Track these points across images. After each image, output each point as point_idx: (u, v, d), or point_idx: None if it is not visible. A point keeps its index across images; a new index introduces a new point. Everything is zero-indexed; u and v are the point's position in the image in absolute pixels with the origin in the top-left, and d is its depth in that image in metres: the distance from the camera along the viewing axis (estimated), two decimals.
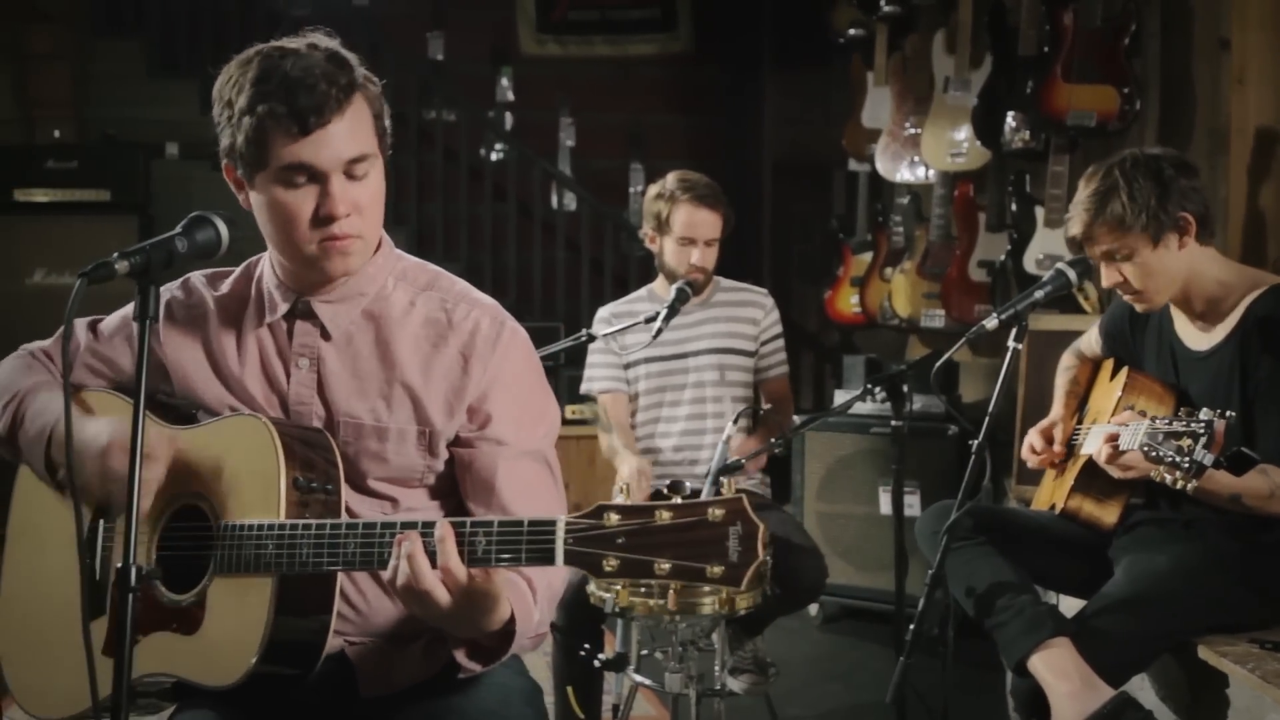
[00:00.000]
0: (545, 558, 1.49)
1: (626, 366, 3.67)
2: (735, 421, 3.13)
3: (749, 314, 3.68)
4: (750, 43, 7.92)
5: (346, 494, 1.84)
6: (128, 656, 1.42)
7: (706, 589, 2.63)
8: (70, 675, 1.81)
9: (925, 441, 4.60)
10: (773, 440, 3.20)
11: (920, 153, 5.13)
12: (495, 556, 1.54)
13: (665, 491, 1.48)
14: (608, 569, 1.44)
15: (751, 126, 8.05)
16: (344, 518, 1.76)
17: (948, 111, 4.96)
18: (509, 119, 7.70)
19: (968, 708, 3.72)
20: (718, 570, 1.41)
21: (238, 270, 1.98)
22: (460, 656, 1.72)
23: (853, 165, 6.05)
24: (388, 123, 1.85)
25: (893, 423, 3.16)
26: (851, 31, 5.81)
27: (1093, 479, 2.70)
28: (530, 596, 1.75)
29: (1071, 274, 2.63)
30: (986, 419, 2.56)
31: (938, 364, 2.65)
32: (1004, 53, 4.60)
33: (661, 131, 7.99)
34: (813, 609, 5.02)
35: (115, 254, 1.57)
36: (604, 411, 3.68)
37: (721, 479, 3.13)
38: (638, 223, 7.68)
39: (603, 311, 3.73)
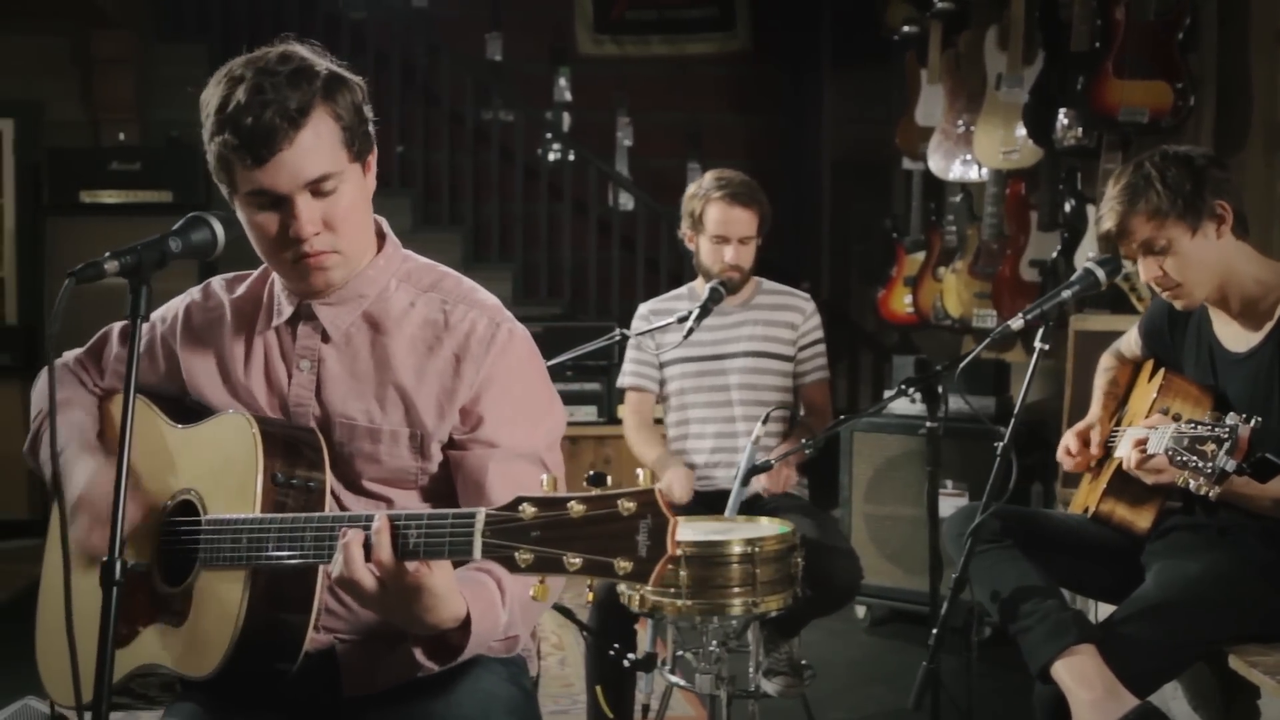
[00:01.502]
0: (465, 550, 1.47)
1: (661, 365, 3.66)
2: (764, 422, 3.11)
3: (788, 318, 3.63)
4: (809, 41, 7.88)
5: (342, 494, 1.86)
6: (110, 648, 1.44)
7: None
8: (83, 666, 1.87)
9: (974, 443, 4.53)
10: (804, 441, 3.17)
11: (973, 151, 5.06)
12: (424, 549, 1.52)
13: (585, 485, 1.45)
14: (521, 563, 1.41)
15: (810, 125, 8.01)
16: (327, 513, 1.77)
17: (1000, 109, 4.89)
18: (567, 119, 7.74)
19: (1001, 712, 3.67)
20: (626, 565, 1.35)
21: (256, 272, 2.00)
22: (418, 654, 1.70)
23: (906, 164, 5.98)
24: (368, 121, 1.82)
25: (928, 424, 3.11)
26: (905, 29, 5.76)
27: (1126, 483, 2.64)
28: (499, 598, 1.73)
29: (1100, 273, 2.58)
30: (1012, 420, 2.51)
31: (961, 364, 2.61)
32: (1056, 49, 4.52)
33: (719, 131, 7.98)
34: (860, 611, 4.98)
35: (107, 253, 1.59)
36: (628, 408, 3.68)
37: (751, 480, 3.19)
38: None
39: (642, 309, 3.72)
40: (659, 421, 3.73)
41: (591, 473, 1.46)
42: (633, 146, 7.78)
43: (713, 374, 3.60)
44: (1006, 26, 4.87)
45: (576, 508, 1.40)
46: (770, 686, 3.40)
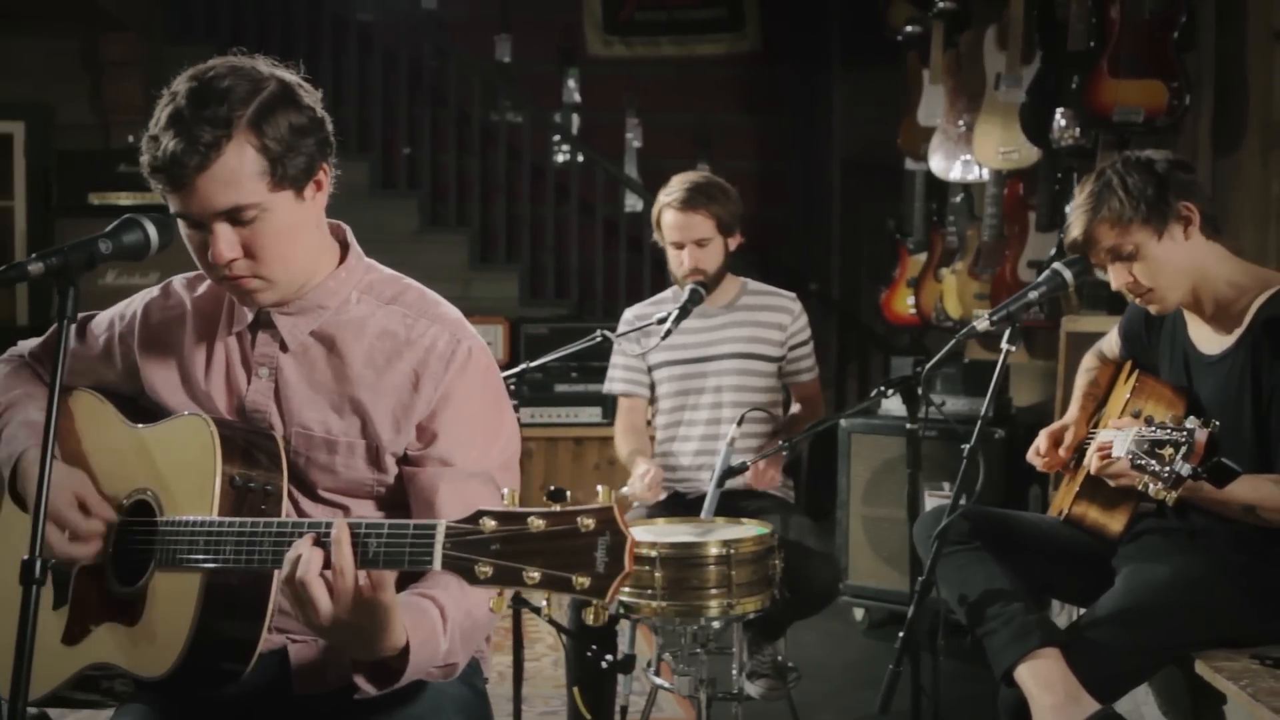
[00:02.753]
0: (425, 561, 1.47)
1: (649, 369, 3.65)
2: (739, 423, 3.11)
3: (775, 319, 3.62)
4: (819, 41, 7.86)
5: (301, 500, 1.87)
6: (28, 649, 1.45)
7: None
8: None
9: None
10: (780, 442, 3.16)
11: (972, 151, 5.04)
12: (383, 559, 1.52)
13: (545, 500, 1.45)
14: (480, 576, 1.41)
15: (820, 126, 7.99)
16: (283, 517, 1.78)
17: (999, 109, 4.86)
18: (576, 120, 7.74)
19: (972, 716, 3.65)
20: (584, 581, 1.38)
21: None
22: (359, 680, 1.68)
23: (909, 164, 5.96)
24: (309, 147, 1.79)
25: (907, 425, 3.09)
26: (908, 28, 5.75)
27: (1099, 486, 2.62)
28: (440, 625, 1.72)
29: (1067, 274, 2.56)
30: (979, 422, 2.50)
31: (928, 365, 2.60)
32: (1053, 48, 4.49)
33: (729, 132, 7.97)
34: (858, 614, 4.96)
35: (33, 255, 1.60)
36: (619, 414, 3.68)
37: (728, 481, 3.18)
38: None
39: (627, 313, 3.72)
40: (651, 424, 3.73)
41: (552, 488, 1.46)
42: (642, 147, 7.77)
43: (699, 376, 3.60)
44: (1005, 26, 4.84)
45: (536, 523, 1.42)
46: (753, 689, 3.40)
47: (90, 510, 1.83)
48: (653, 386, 3.66)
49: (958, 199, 5.37)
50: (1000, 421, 4.54)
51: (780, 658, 3.50)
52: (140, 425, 1.91)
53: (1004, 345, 2.51)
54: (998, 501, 4.35)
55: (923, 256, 5.76)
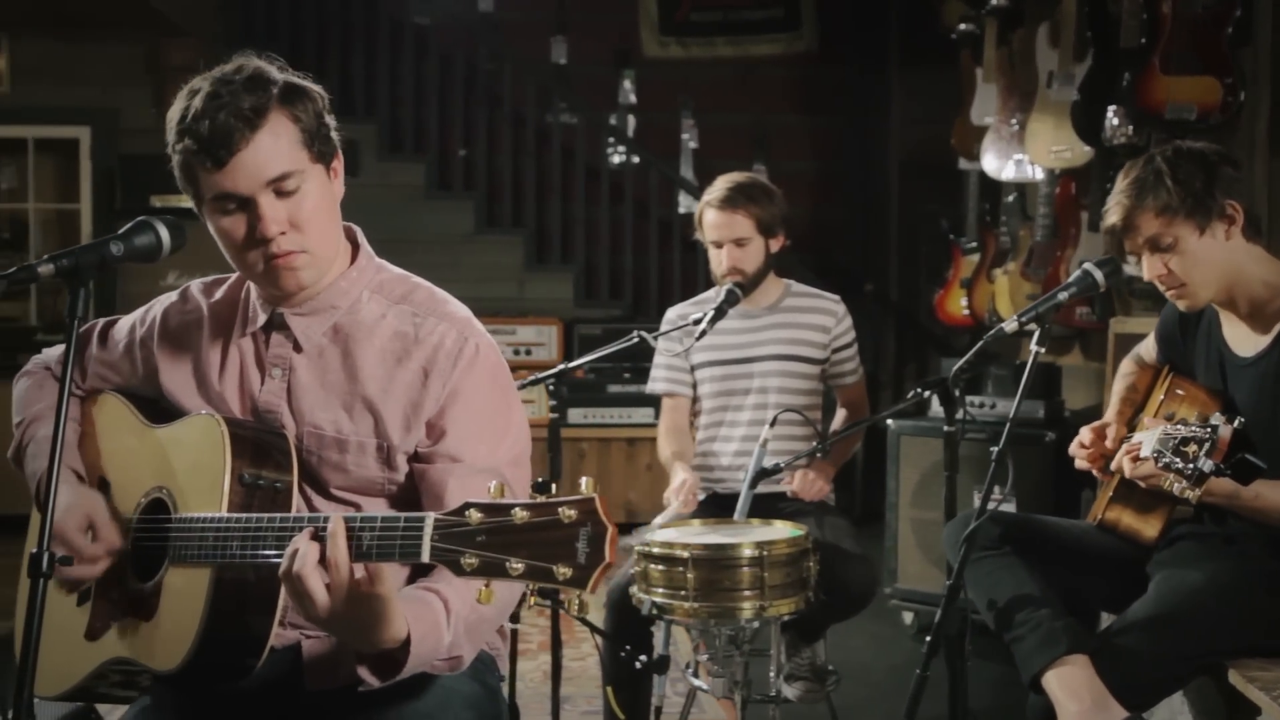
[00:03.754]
0: (414, 553, 1.49)
1: (691, 369, 3.65)
2: (771, 424, 3.09)
3: (819, 321, 3.60)
4: (876, 40, 7.80)
5: (313, 498, 1.90)
6: (35, 639, 1.48)
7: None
8: (52, 658, 1.92)
9: (1021, 448, 4.43)
10: (815, 445, 3.14)
11: (1025, 150, 4.97)
12: (376, 552, 1.54)
13: (531, 493, 1.46)
14: (467, 566, 1.43)
15: (878, 126, 7.93)
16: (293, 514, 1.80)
17: (1052, 107, 4.79)
18: (631, 121, 7.75)
19: None
20: (566, 571, 1.39)
21: (234, 276, 2.04)
22: (362, 671, 1.70)
23: (963, 164, 5.89)
24: (329, 127, 1.87)
25: (945, 428, 3.06)
26: (962, 27, 5.68)
27: (1133, 490, 2.57)
28: (443, 618, 1.73)
29: (1098, 274, 2.50)
30: (1008, 425, 2.46)
31: (956, 367, 2.56)
32: (1105, 45, 4.41)
33: (785, 132, 7.94)
34: (907, 618, 4.92)
35: (45, 256, 1.64)
36: (662, 414, 3.67)
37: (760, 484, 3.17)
38: None
39: (670, 313, 3.72)
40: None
41: (538, 479, 1.47)
42: (698, 148, 7.76)
43: (740, 377, 3.58)
44: (1058, 23, 4.77)
45: (520, 514, 1.43)
46: (790, 691, 3.38)
47: (98, 534, 1.87)
48: (695, 386, 3.66)
49: (1010, 199, 5.30)
50: (1052, 424, 4.47)
51: (821, 660, 3.48)
52: (157, 426, 1.95)
53: (1033, 347, 2.47)
54: (1049, 505, 4.29)
55: (976, 257, 5.69)
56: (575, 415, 6.60)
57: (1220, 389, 2.56)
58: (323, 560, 1.56)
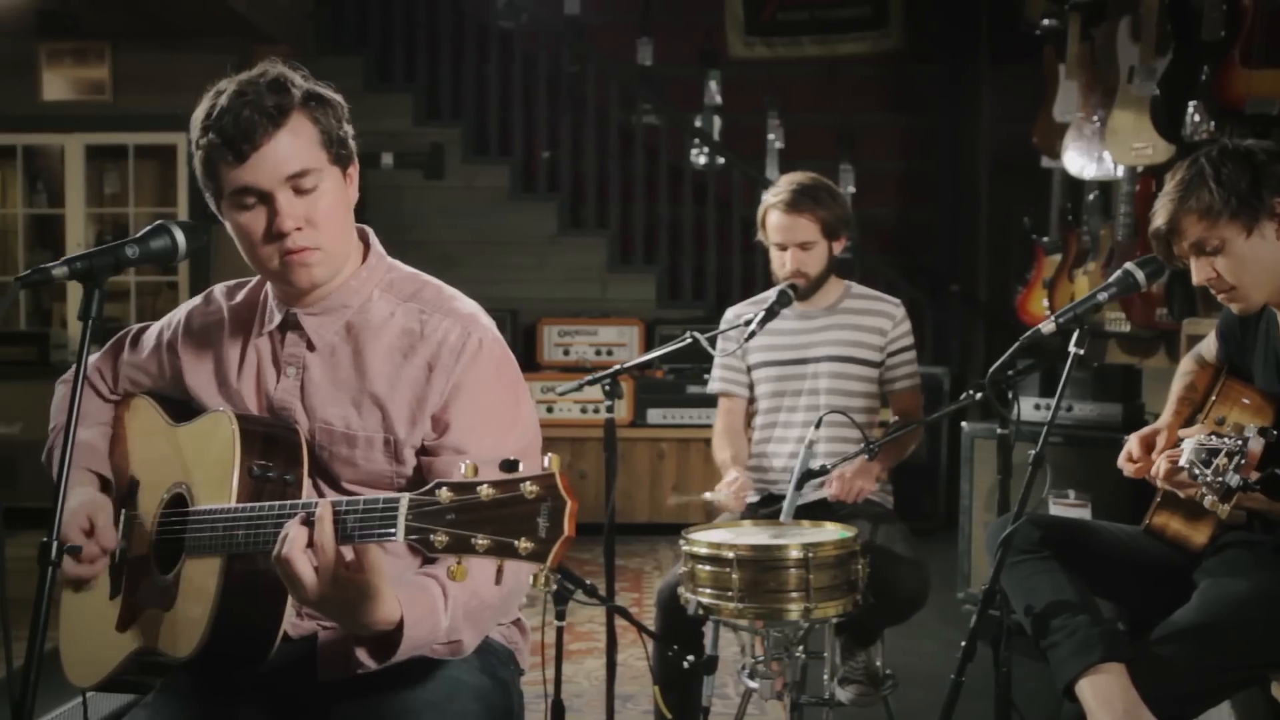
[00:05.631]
0: (391, 532, 1.53)
1: (749, 369, 3.64)
2: (817, 426, 3.07)
3: (876, 323, 3.56)
4: (965, 38, 7.69)
5: (326, 492, 1.94)
6: (43, 626, 1.54)
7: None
8: (87, 650, 2.02)
9: (1098, 451, 4.33)
10: (864, 445, 3.10)
11: (1106, 147, 4.86)
12: (358, 533, 1.59)
13: (500, 470, 1.48)
14: (438, 544, 1.47)
15: (967, 124, 7.82)
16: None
17: (1133, 102, 4.67)
18: (717, 122, 7.73)
19: None
20: (528, 545, 1.41)
21: (254, 279, 2.10)
22: (360, 654, 1.75)
23: (1045, 162, 5.77)
24: (347, 134, 1.92)
25: (998, 430, 3.01)
26: (1045, 22, 5.57)
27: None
28: (440, 602, 1.77)
29: (1139, 275, 2.44)
30: (1045, 429, 2.41)
31: (994, 367, 2.51)
32: (1187, 38, 4.29)
33: (873, 131, 7.86)
34: None
35: (61, 259, 1.70)
36: (718, 415, 3.67)
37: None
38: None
39: (729, 312, 3.72)
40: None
41: (509, 458, 1.50)
42: (784, 149, 7.71)
43: (796, 378, 3.56)
44: (1140, 16, 4.65)
45: (486, 491, 1.46)
46: (844, 694, 3.35)
47: (97, 535, 1.93)
48: (751, 386, 3.64)
49: (1091, 197, 5.18)
50: (1131, 427, 4.31)
51: (878, 664, 3.44)
52: (179, 424, 2.02)
53: (1071, 349, 2.41)
54: (1126, 509, 4.18)
55: (1058, 257, 5.58)
56: (654, 416, 6.62)
57: (1276, 392, 2.48)
58: (311, 544, 1.60)
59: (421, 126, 7.28)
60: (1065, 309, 2.43)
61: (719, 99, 7.76)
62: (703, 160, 7.37)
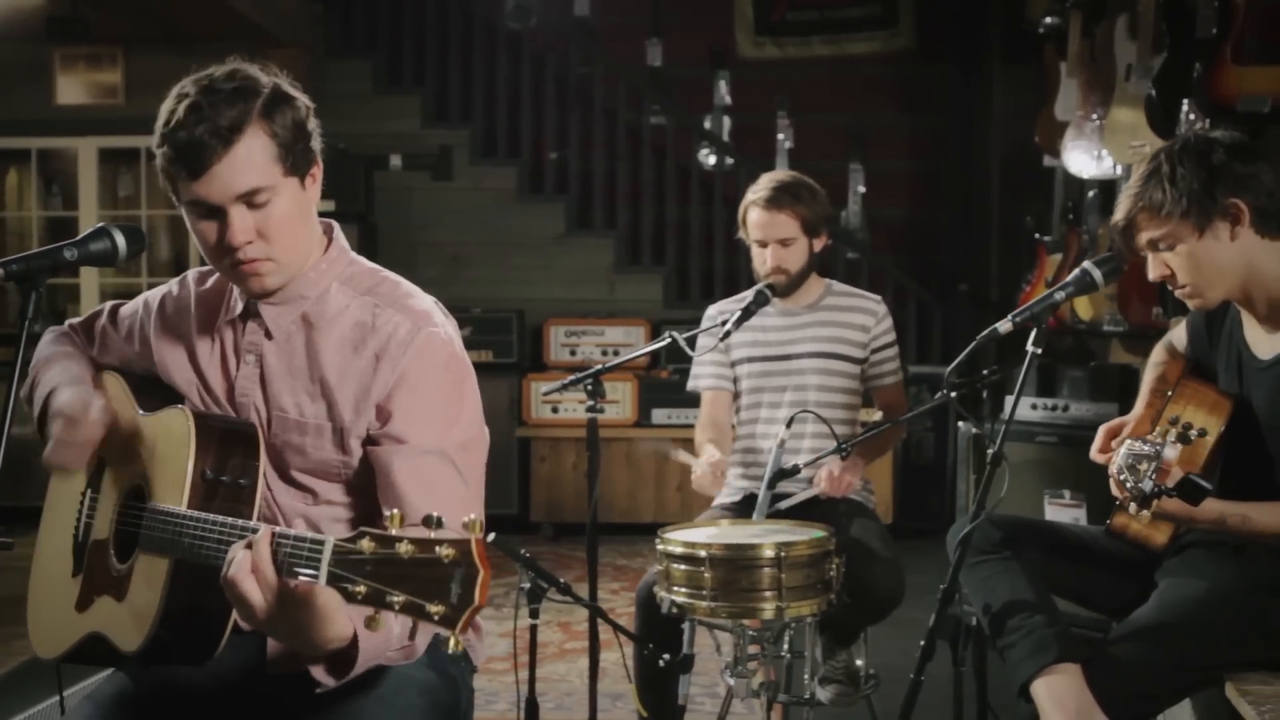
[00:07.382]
0: (314, 574, 1.52)
1: (733, 364, 3.65)
2: (788, 425, 3.07)
3: (859, 320, 3.57)
4: (976, 37, 7.67)
5: (274, 483, 1.98)
6: None
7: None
8: (49, 622, 2.06)
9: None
10: (839, 444, 3.11)
11: (1105, 145, 4.83)
12: (286, 566, 1.59)
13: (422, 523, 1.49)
14: (356, 595, 1.46)
15: (978, 124, 7.79)
16: (255, 511, 1.87)
17: (1130, 100, 4.63)
18: (727, 122, 7.73)
19: None
20: (439, 610, 1.41)
21: None
22: (317, 672, 1.76)
23: (1047, 161, 5.74)
24: (310, 137, 1.93)
25: (972, 431, 3.00)
26: (1047, 20, 5.54)
27: None
28: (391, 613, 1.77)
29: (1096, 274, 2.42)
30: (1003, 428, 2.40)
31: (952, 366, 2.51)
32: (1181, 35, 4.26)
33: (883, 131, 7.84)
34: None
35: None
36: (701, 407, 3.68)
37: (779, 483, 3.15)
38: (858, 224, 7.57)
39: (710, 309, 3.73)
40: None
41: (432, 514, 1.49)
42: (794, 149, 7.70)
43: (780, 374, 3.58)
44: (1138, 14, 4.62)
45: (405, 548, 1.45)
46: (824, 694, 3.35)
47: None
48: (736, 380, 3.66)
49: (1090, 196, 5.15)
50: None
51: (859, 663, 3.44)
52: (144, 414, 2.04)
53: (1029, 348, 2.40)
54: None
55: (1059, 256, 5.55)
56: (659, 415, 6.62)
57: (1235, 391, 2.46)
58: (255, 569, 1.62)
59: (430, 128, 7.32)
60: (1022, 308, 2.42)
61: (729, 99, 7.76)
62: (711, 160, 7.37)
